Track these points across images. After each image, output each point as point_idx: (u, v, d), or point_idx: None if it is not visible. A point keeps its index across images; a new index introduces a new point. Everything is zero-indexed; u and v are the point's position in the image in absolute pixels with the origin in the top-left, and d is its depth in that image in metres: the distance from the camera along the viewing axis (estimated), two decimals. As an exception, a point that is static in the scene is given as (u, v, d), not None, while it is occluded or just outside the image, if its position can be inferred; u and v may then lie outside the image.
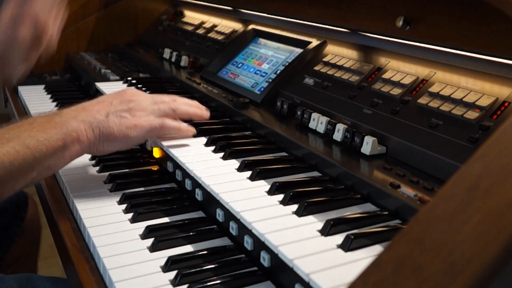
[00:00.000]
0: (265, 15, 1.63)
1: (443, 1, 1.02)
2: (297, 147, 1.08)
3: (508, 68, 0.91)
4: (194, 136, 1.19)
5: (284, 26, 1.53)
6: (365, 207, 0.88)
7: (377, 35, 1.20)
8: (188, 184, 1.06)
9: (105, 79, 1.77)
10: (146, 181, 1.15)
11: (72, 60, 2.14)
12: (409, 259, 0.47)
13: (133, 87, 1.16)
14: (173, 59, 1.84)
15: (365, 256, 0.73)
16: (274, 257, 0.77)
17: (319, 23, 1.39)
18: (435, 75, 1.03)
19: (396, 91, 1.05)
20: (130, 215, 0.99)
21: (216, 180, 0.96)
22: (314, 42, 1.36)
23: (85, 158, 1.27)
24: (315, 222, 0.82)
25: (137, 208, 1.00)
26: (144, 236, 0.92)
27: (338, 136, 1.06)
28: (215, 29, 1.84)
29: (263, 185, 0.95)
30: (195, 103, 1.20)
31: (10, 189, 0.92)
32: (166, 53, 1.90)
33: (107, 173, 1.16)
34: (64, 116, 1.00)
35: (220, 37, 1.76)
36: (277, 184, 0.92)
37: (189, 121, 1.22)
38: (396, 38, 1.14)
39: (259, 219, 0.82)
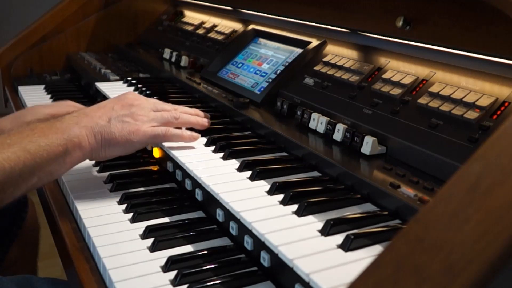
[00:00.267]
0: (265, 15, 1.63)
1: (443, 1, 1.02)
2: (297, 147, 1.08)
3: (508, 68, 0.91)
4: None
5: (284, 26, 1.53)
6: (365, 207, 0.88)
7: (377, 35, 1.20)
8: (188, 184, 1.06)
9: (105, 79, 1.77)
10: (146, 181, 1.15)
11: (72, 60, 2.14)
12: (409, 259, 0.47)
13: (133, 91, 1.15)
14: (173, 59, 1.84)
15: (365, 256, 0.73)
16: (274, 257, 0.77)
17: (319, 23, 1.39)
18: (435, 75, 1.03)
19: (396, 91, 1.05)
20: (130, 215, 0.99)
21: (216, 180, 0.96)
22: (314, 42, 1.36)
23: (85, 158, 1.28)
24: (315, 222, 0.82)
25: (137, 208, 1.00)
26: (144, 236, 0.92)
27: (338, 136, 1.06)
28: (215, 29, 1.84)
29: (263, 185, 0.95)
30: (195, 111, 1.21)
31: (10, 194, 0.92)
32: (166, 53, 1.90)
33: (107, 173, 1.16)
34: (65, 122, 1.00)
35: (220, 37, 1.76)
36: (277, 184, 0.92)
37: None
38: (396, 38, 1.14)
39: (259, 219, 0.82)
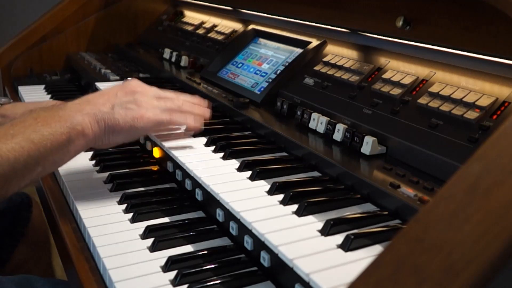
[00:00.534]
0: (265, 15, 1.63)
1: (443, 1, 1.02)
2: (297, 147, 1.08)
3: (508, 68, 0.91)
4: (194, 136, 1.19)
5: (284, 26, 1.53)
6: (365, 207, 0.88)
7: (377, 35, 1.20)
8: (188, 184, 1.06)
9: (105, 79, 1.77)
10: (146, 181, 1.15)
11: (72, 60, 2.14)
12: (409, 259, 0.48)
13: (136, 79, 1.16)
14: (173, 59, 1.84)
15: (365, 256, 0.73)
16: (274, 257, 0.77)
17: (319, 23, 1.39)
18: (435, 75, 1.03)
19: (396, 91, 1.05)
20: (130, 215, 0.99)
21: (216, 180, 0.96)
22: (314, 42, 1.36)
23: (85, 158, 1.28)
24: (315, 222, 0.82)
25: (137, 208, 1.00)
26: (144, 236, 0.92)
27: (338, 136, 1.06)
28: (215, 29, 1.84)
29: (263, 185, 0.95)
30: (198, 99, 1.20)
31: (15, 185, 0.91)
32: (166, 53, 1.90)
33: (107, 173, 1.16)
34: (68, 110, 0.99)
35: (220, 37, 1.76)
36: (277, 184, 0.92)
37: None
38: (396, 38, 1.14)
39: (259, 219, 0.82)
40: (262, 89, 1.35)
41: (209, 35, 1.83)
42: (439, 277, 0.45)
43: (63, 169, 1.19)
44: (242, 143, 1.15)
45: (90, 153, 1.29)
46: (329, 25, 1.35)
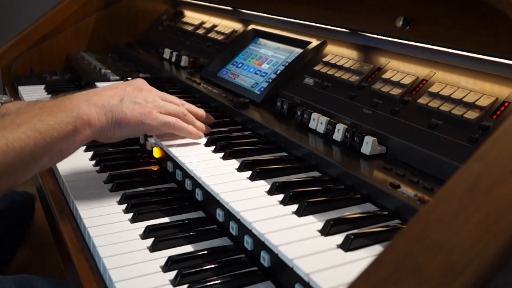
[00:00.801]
0: (265, 15, 1.63)
1: (443, 1, 1.02)
2: (297, 147, 1.08)
3: (508, 68, 0.91)
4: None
5: (284, 26, 1.53)
6: (365, 207, 0.88)
7: (377, 35, 1.20)
8: (188, 184, 1.06)
9: (105, 79, 1.77)
10: (146, 181, 1.15)
11: (72, 60, 2.14)
12: (409, 259, 0.48)
13: (142, 79, 1.17)
14: (173, 59, 1.84)
15: (365, 256, 0.73)
16: (274, 257, 0.77)
17: (319, 23, 1.39)
18: (435, 75, 1.03)
19: (396, 91, 1.05)
20: (130, 215, 0.99)
21: (216, 180, 0.96)
22: (314, 42, 1.36)
23: (85, 158, 1.28)
24: (315, 222, 0.82)
25: (137, 208, 1.00)
26: (144, 236, 0.92)
27: (338, 136, 1.06)
28: (215, 29, 1.84)
29: (263, 185, 0.95)
30: (201, 112, 1.21)
31: (22, 175, 0.91)
32: (166, 53, 1.90)
33: (107, 173, 1.16)
34: (74, 100, 0.99)
35: (220, 37, 1.76)
36: (277, 184, 0.92)
37: None
38: (396, 38, 1.14)
39: (259, 219, 0.82)
40: (262, 89, 1.35)
41: (209, 35, 1.83)
42: (439, 277, 0.45)
43: (63, 169, 1.19)
44: (242, 143, 1.15)
45: (90, 153, 1.29)
46: (329, 25, 1.35)
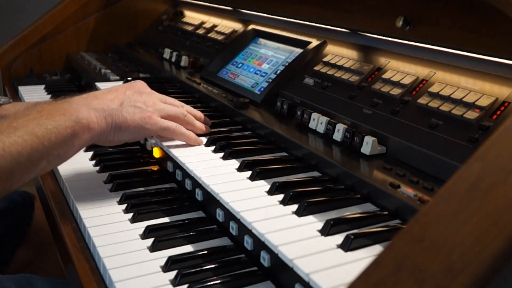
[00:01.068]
0: (265, 15, 1.63)
1: (443, 1, 1.02)
2: (297, 147, 1.08)
3: (508, 68, 0.91)
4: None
5: (284, 26, 1.53)
6: (365, 207, 0.88)
7: (377, 35, 1.20)
8: (188, 184, 1.06)
9: (105, 79, 1.77)
10: (146, 181, 1.15)
11: (72, 60, 2.14)
12: (409, 259, 0.48)
13: (141, 81, 1.17)
14: (173, 59, 1.84)
15: (365, 256, 0.73)
16: (274, 257, 0.77)
17: (319, 23, 1.39)
18: (435, 75, 1.03)
19: (396, 91, 1.05)
20: (130, 215, 0.99)
21: (216, 180, 0.96)
22: (314, 42, 1.36)
23: (85, 158, 1.28)
24: (315, 222, 0.82)
25: (137, 208, 1.00)
26: (144, 236, 0.92)
27: (338, 136, 1.06)
28: (215, 29, 1.84)
29: (263, 185, 0.95)
30: (199, 114, 1.22)
31: (20, 179, 0.90)
32: (166, 53, 1.90)
33: (107, 173, 1.16)
34: (74, 103, 0.98)
35: (220, 37, 1.76)
36: (277, 184, 0.92)
37: None
38: (396, 38, 1.14)
39: (259, 219, 0.82)
40: (262, 89, 1.35)
41: (209, 35, 1.83)
42: (439, 277, 0.45)
43: (63, 169, 1.19)
44: (242, 143, 1.15)
45: (90, 153, 1.29)
46: (329, 25, 1.35)
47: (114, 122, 1.01)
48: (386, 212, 0.85)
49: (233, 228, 0.89)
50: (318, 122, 1.12)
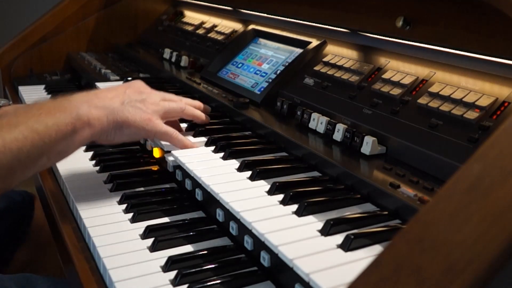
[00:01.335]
0: (265, 15, 1.63)
1: (443, 1, 1.03)
2: (297, 147, 1.08)
3: (508, 68, 0.91)
4: (195, 135, 1.19)
5: (284, 26, 1.53)
6: (365, 207, 0.88)
7: (377, 35, 1.20)
8: (188, 184, 1.06)
9: (105, 79, 1.77)
10: (146, 181, 1.15)
11: (72, 60, 2.14)
12: (409, 259, 0.48)
13: (141, 80, 1.18)
14: (173, 59, 1.84)
15: (365, 256, 0.73)
16: (274, 257, 0.77)
17: (319, 23, 1.39)
18: (435, 75, 1.03)
19: (396, 91, 1.05)
20: (130, 215, 0.99)
21: (216, 180, 0.96)
22: (314, 42, 1.36)
23: (85, 158, 1.28)
24: (315, 222, 0.82)
25: (137, 208, 1.00)
26: (144, 236, 0.92)
27: (338, 136, 1.06)
28: (215, 29, 1.84)
29: (263, 185, 0.95)
30: (199, 104, 1.23)
31: (20, 175, 0.90)
32: (166, 53, 1.90)
33: (107, 173, 1.16)
34: (74, 101, 0.99)
35: (220, 37, 1.76)
36: (277, 184, 0.92)
37: (189, 121, 1.23)
38: (396, 38, 1.14)
39: (259, 219, 0.82)
40: (262, 89, 1.35)
41: (209, 35, 1.83)
42: (439, 277, 0.45)
43: (63, 169, 1.19)
44: (242, 143, 1.15)
45: (90, 153, 1.29)
46: (329, 25, 1.35)
47: (116, 121, 1.01)
48: (386, 212, 0.85)
49: (233, 228, 0.89)
50: (318, 122, 1.12)
